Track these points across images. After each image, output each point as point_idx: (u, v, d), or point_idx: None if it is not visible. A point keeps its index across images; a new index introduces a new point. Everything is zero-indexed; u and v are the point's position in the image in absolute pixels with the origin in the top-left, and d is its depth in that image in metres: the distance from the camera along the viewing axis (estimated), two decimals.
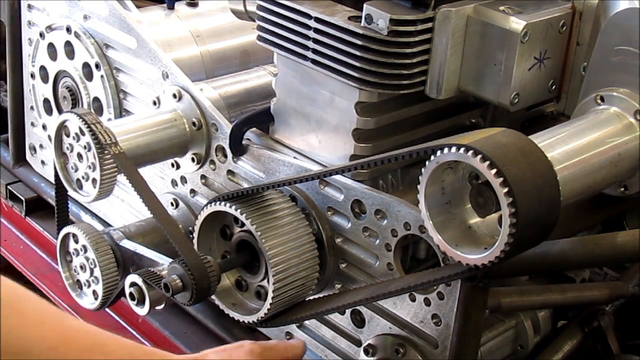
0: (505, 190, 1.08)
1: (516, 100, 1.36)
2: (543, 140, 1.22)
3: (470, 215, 1.19)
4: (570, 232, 1.36)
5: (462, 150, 1.11)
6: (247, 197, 1.42)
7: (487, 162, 1.09)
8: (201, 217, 1.47)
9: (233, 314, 1.47)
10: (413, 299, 1.36)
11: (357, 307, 1.44)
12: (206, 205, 1.45)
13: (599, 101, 1.32)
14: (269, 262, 1.38)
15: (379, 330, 1.42)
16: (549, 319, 1.55)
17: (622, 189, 1.33)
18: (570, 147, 1.23)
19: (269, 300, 1.40)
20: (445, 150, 1.13)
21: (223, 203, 1.42)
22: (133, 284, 1.45)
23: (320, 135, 1.44)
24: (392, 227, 1.35)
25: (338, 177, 1.40)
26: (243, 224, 1.43)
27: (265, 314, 1.42)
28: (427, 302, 1.34)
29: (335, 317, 1.49)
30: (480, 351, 1.46)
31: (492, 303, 1.34)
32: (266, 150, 1.51)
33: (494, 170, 1.09)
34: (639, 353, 1.50)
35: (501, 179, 1.09)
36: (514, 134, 1.15)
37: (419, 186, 1.17)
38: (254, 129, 1.54)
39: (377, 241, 1.38)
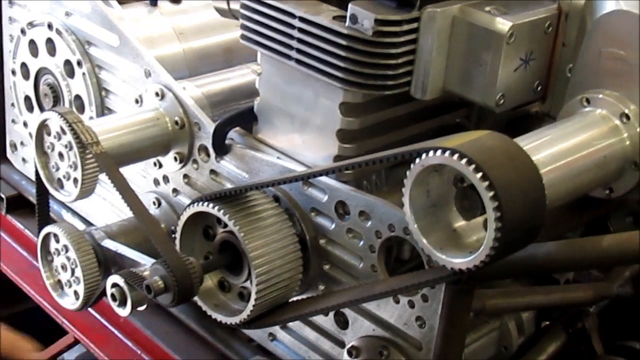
0: (491, 194, 1.08)
1: (502, 101, 1.35)
2: (528, 142, 1.21)
3: (456, 219, 1.18)
4: (554, 234, 1.36)
5: (447, 153, 1.10)
6: (230, 198, 1.41)
7: (473, 166, 1.08)
8: (183, 218, 1.45)
9: (215, 315, 1.46)
10: (397, 301, 1.35)
11: (342, 310, 1.43)
12: (189, 205, 1.44)
13: (585, 103, 1.31)
14: (252, 264, 1.37)
15: (363, 332, 1.41)
16: (533, 320, 1.55)
17: (608, 192, 1.32)
18: (555, 150, 1.22)
19: (252, 301, 1.39)
20: (431, 153, 1.12)
21: (205, 204, 1.41)
22: (115, 285, 1.43)
23: (304, 135, 1.43)
24: (376, 229, 1.34)
25: (322, 178, 1.39)
26: (226, 225, 1.41)
27: (248, 315, 1.40)
28: (411, 305, 1.34)
29: (318, 319, 1.48)
30: (465, 351, 1.46)
31: (477, 305, 1.33)
32: (249, 150, 1.50)
33: (479, 174, 1.08)
34: (623, 354, 1.49)
35: (487, 183, 1.08)
36: (500, 137, 1.14)
37: (403, 189, 1.16)
38: (238, 128, 1.53)
39: (361, 243, 1.37)
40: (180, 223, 1.46)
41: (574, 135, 1.26)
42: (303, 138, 1.44)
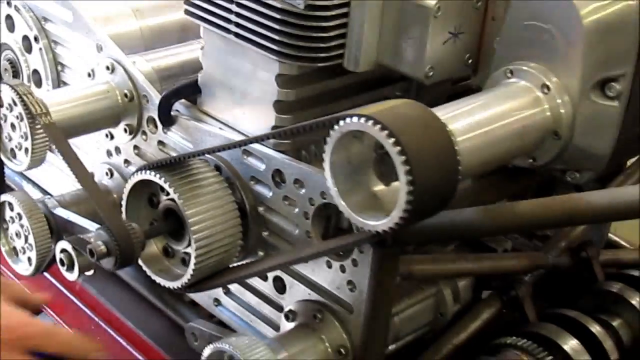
0: (402, 159, 1.12)
1: (431, 73, 1.40)
2: (447, 112, 1.26)
3: (375, 184, 1.23)
4: (482, 203, 1.40)
5: (362, 120, 1.15)
6: (172, 167, 1.46)
7: (385, 132, 1.13)
8: (128, 186, 1.50)
9: (159, 280, 1.51)
10: (330, 266, 1.40)
11: (279, 274, 1.48)
12: (133, 174, 1.49)
13: (509, 75, 1.35)
14: (191, 229, 1.42)
15: (299, 297, 1.47)
16: (470, 288, 1.59)
17: (531, 161, 1.37)
18: (473, 119, 1.27)
19: (192, 266, 1.44)
20: (348, 120, 1.17)
21: (148, 172, 1.46)
22: (63, 250, 1.49)
23: (244, 106, 1.48)
24: (309, 196, 1.39)
25: (260, 147, 1.44)
26: (169, 193, 1.46)
27: (188, 279, 1.45)
28: (343, 269, 1.39)
29: (258, 284, 1.53)
30: (399, 317, 1.51)
31: (404, 270, 1.38)
32: (193, 121, 1.54)
33: (391, 140, 1.13)
34: (555, 321, 1.54)
35: (398, 148, 1.13)
36: (416, 106, 1.19)
37: (324, 154, 1.21)
38: (184, 100, 1.58)
39: (296, 210, 1.42)
40: (126, 191, 1.51)
41: (493, 105, 1.30)
42: (243, 109, 1.49)
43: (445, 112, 1.25)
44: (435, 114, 1.18)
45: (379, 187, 1.23)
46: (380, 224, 1.18)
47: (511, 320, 1.59)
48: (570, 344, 1.51)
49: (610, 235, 1.92)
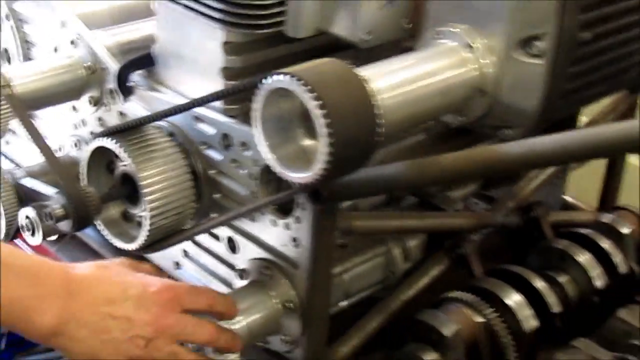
0: (321, 112, 1.19)
1: (368, 37, 1.46)
2: (373, 71, 1.31)
3: (304, 139, 1.29)
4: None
5: (285, 77, 1.22)
6: (127, 134, 1.53)
7: (306, 87, 1.20)
8: (87, 153, 1.57)
9: (117, 243, 1.58)
10: (275, 224, 1.47)
11: (231, 235, 1.55)
12: (90, 141, 1.56)
13: (437, 36, 1.41)
14: (143, 192, 1.49)
15: (250, 256, 1.53)
16: (420, 247, 1.65)
17: (461, 118, 1.43)
18: (398, 78, 1.32)
19: (146, 228, 1.51)
20: (273, 77, 1.24)
21: (104, 139, 1.53)
22: (26, 217, 1.56)
23: (194, 75, 1.55)
24: (254, 157, 1.46)
25: (210, 113, 1.51)
26: (124, 159, 1.53)
27: (144, 241, 1.53)
28: (287, 227, 1.45)
29: (213, 245, 1.60)
30: (348, 274, 1.58)
31: (344, 225, 1.44)
32: (149, 91, 1.62)
33: (311, 95, 1.19)
34: (500, 276, 1.59)
35: (317, 102, 1.19)
36: (338, 64, 1.25)
37: (253, 112, 1.28)
38: (142, 71, 1.65)
39: (243, 171, 1.49)
40: (85, 158, 1.58)
41: (419, 64, 1.36)
42: (193, 78, 1.55)
43: (371, 72, 1.31)
44: (355, 72, 1.24)
45: (308, 142, 1.29)
46: (303, 176, 1.24)
47: (458, 276, 1.64)
48: (514, 299, 1.56)
49: (570, 199, 1.98)
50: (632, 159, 2.87)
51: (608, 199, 1.93)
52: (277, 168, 1.27)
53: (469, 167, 1.27)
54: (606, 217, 1.75)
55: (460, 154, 1.29)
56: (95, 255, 1.82)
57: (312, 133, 1.27)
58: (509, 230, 1.71)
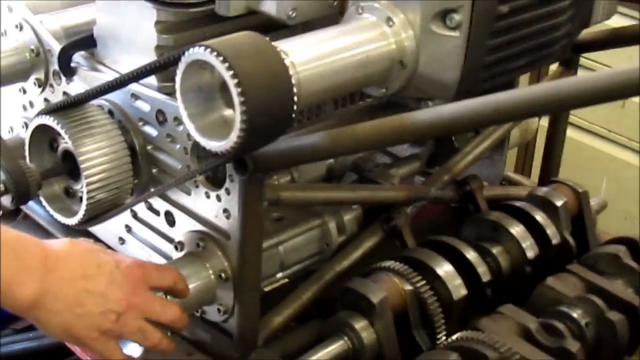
0: (235, 81, 1.24)
1: (293, 14, 1.50)
2: (292, 44, 1.36)
3: (224, 109, 1.34)
4: None
5: (201, 49, 1.27)
6: (68, 112, 1.58)
7: (220, 58, 1.25)
8: (29, 131, 1.62)
9: (59, 217, 1.63)
10: (208, 196, 1.52)
11: (169, 209, 1.60)
12: (32, 119, 1.61)
13: (360, 11, 1.46)
14: (81, 167, 1.54)
15: (187, 229, 1.58)
16: (355, 221, 1.69)
17: (383, 90, 1.47)
18: (317, 50, 1.37)
19: (84, 202, 1.56)
20: (192, 49, 1.29)
21: (45, 116, 1.58)
22: None
23: (131, 55, 1.60)
24: (186, 132, 1.50)
25: (146, 90, 1.56)
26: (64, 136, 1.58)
27: (83, 215, 1.58)
28: (219, 198, 1.50)
29: (153, 220, 1.64)
30: (283, 246, 1.62)
31: (271, 196, 1.48)
32: (91, 71, 1.66)
33: (225, 65, 1.24)
34: (432, 247, 1.64)
35: (231, 72, 1.24)
36: (254, 36, 1.30)
37: (175, 84, 1.33)
38: (84, 53, 1.70)
39: (177, 146, 1.53)
40: (27, 136, 1.63)
41: (339, 37, 1.40)
42: (130, 57, 1.60)
43: (291, 44, 1.36)
44: (270, 43, 1.29)
45: (228, 112, 1.33)
46: (221, 144, 1.29)
47: (391, 247, 1.69)
48: (444, 268, 1.60)
49: (513, 175, 2.03)
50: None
51: (548, 174, 1.97)
52: (197, 137, 1.32)
53: (381, 136, 1.32)
54: (541, 191, 1.79)
55: (372, 123, 1.34)
56: (46, 234, 1.87)
57: (230, 103, 1.32)
58: (442, 202, 1.76)
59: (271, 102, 1.26)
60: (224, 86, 1.31)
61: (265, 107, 1.26)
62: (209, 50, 1.26)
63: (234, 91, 1.24)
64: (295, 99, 1.29)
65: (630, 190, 2.94)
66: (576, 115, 3.12)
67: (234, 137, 1.27)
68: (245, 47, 1.27)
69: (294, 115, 1.30)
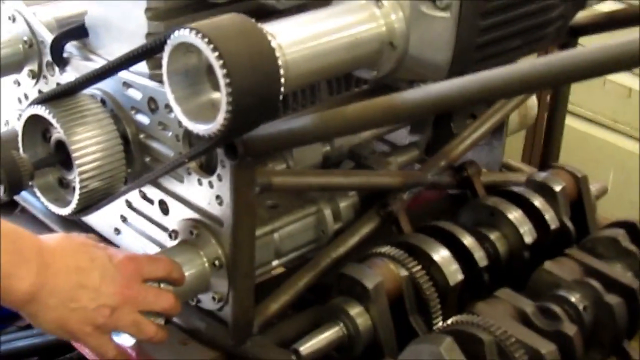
0: (220, 62, 1.23)
1: None
2: (279, 26, 1.35)
3: (211, 91, 1.33)
4: None
5: (184, 30, 1.26)
6: (60, 102, 1.57)
7: (206, 39, 1.24)
8: (21, 122, 1.62)
9: (53, 208, 1.62)
10: (200, 184, 1.51)
11: (163, 198, 1.59)
12: (24, 110, 1.61)
13: None
14: (73, 156, 1.53)
15: (181, 217, 1.57)
16: (351, 208, 1.68)
17: (375, 72, 1.46)
18: (305, 32, 1.36)
19: (77, 192, 1.55)
20: (177, 32, 1.28)
21: (37, 106, 1.57)
22: None
23: (122, 43, 1.58)
24: (178, 119, 1.49)
25: (138, 78, 1.56)
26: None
27: (76, 205, 1.57)
28: (211, 185, 1.49)
29: (148, 209, 1.64)
30: (278, 233, 1.61)
31: (264, 181, 1.47)
32: (83, 61, 1.66)
33: (210, 46, 1.23)
34: (428, 232, 1.62)
35: (216, 53, 1.23)
36: (240, 18, 1.29)
37: (162, 68, 1.32)
38: (76, 43, 1.69)
39: (170, 133, 1.53)
40: (20, 127, 1.63)
41: (327, 19, 1.39)
42: (121, 45, 1.59)
43: (278, 26, 1.35)
44: (256, 25, 1.28)
45: (215, 95, 1.32)
46: (208, 127, 1.28)
47: (388, 233, 1.68)
48: (440, 253, 1.59)
49: (513, 162, 2.01)
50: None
51: (548, 160, 1.95)
52: (184, 120, 1.31)
53: (371, 116, 1.31)
54: (539, 176, 1.77)
55: (362, 104, 1.32)
56: (44, 227, 1.86)
57: (218, 86, 1.32)
58: (439, 188, 1.74)
59: (257, 83, 1.25)
60: (210, 69, 1.30)
61: (252, 88, 1.25)
62: (194, 32, 1.25)
63: (220, 73, 1.23)
64: (283, 80, 1.28)
65: (637, 180, 2.91)
66: (582, 107, 3.10)
67: (220, 119, 1.26)
68: (231, 29, 1.26)
69: (281, 97, 1.29)
